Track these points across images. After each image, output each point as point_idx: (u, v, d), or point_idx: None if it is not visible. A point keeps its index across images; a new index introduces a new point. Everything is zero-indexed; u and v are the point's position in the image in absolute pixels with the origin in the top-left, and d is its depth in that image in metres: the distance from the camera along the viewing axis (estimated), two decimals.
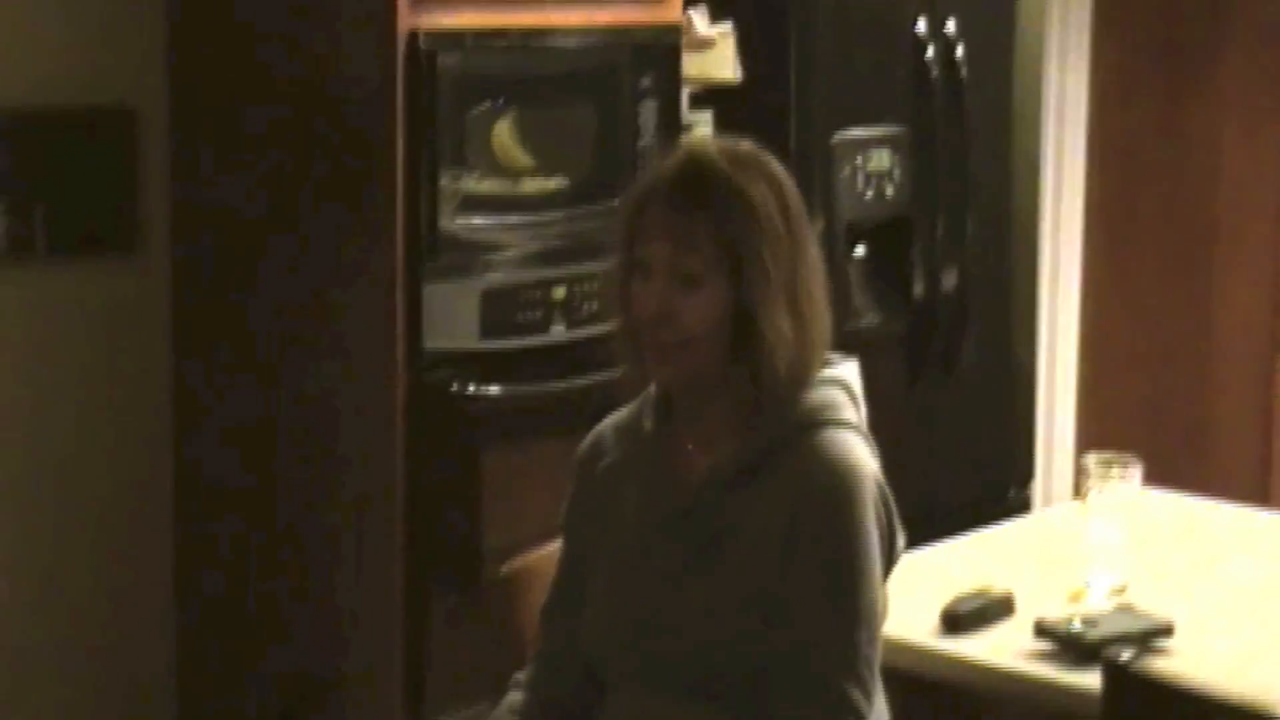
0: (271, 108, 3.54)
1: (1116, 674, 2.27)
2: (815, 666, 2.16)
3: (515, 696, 2.37)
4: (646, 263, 2.20)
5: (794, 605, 2.17)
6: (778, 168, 2.25)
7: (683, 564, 2.23)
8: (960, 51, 4.36)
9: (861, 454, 2.23)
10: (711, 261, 2.18)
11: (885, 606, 2.26)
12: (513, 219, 3.58)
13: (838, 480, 2.18)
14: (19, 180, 3.50)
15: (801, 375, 2.22)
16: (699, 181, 2.19)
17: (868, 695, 2.19)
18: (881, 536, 2.22)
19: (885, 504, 2.23)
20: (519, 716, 2.35)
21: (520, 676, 2.39)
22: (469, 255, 3.49)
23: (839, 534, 2.17)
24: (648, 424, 2.30)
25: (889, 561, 2.25)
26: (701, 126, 3.93)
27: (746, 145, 2.26)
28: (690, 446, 2.27)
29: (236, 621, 3.66)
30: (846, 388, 2.28)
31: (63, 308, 3.60)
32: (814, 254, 2.25)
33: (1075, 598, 2.77)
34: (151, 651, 3.73)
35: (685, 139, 2.42)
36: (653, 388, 2.31)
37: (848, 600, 2.17)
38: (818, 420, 2.22)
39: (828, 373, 2.28)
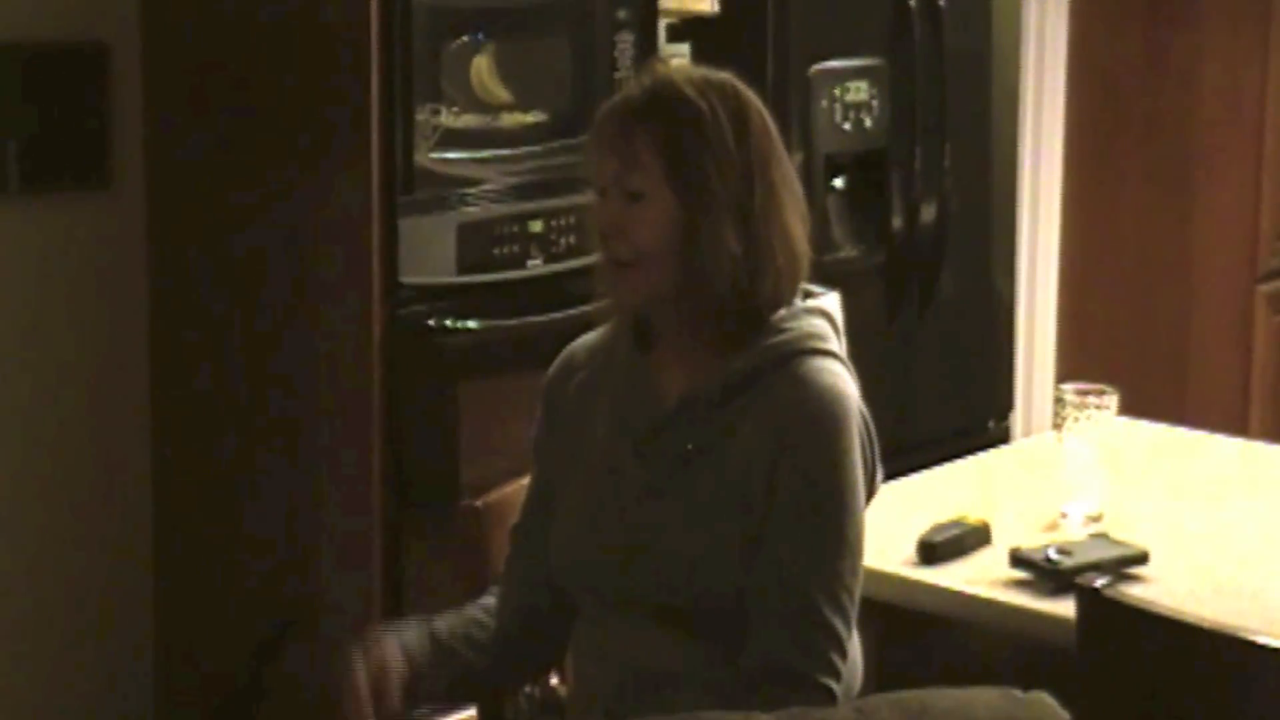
0: (246, 42, 3.52)
1: (1090, 599, 2.28)
2: (797, 593, 2.16)
3: (489, 600, 2.38)
4: (600, 181, 2.22)
5: (776, 532, 2.17)
6: (745, 92, 2.24)
7: (656, 480, 2.23)
8: None
9: (847, 384, 2.23)
10: (657, 177, 2.18)
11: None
12: (489, 153, 3.57)
13: (825, 408, 2.19)
14: None
15: (760, 297, 2.21)
16: (651, 100, 2.21)
17: (848, 624, 2.19)
18: (864, 467, 2.22)
19: (868, 435, 2.24)
20: (478, 625, 2.34)
21: (491, 595, 2.40)
22: (445, 189, 3.48)
23: (825, 462, 2.18)
24: (623, 346, 2.30)
25: (868, 493, 2.25)
26: (678, 59, 3.92)
27: (721, 74, 2.26)
28: (667, 367, 2.27)
29: (215, 553, 3.67)
30: (830, 318, 2.28)
31: (38, 244, 3.59)
32: (781, 178, 2.23)
33: (1051, 526, 2.78)
34: (129, 583, 3.73)
35: (654, 63, 2.43)
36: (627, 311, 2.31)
37: (832, 529, 2.18)
38: (805, 348, 2.22)
39: (812, 303, 2.28)
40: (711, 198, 2.18)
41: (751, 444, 2.19)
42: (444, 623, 2.33)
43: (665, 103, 2.20)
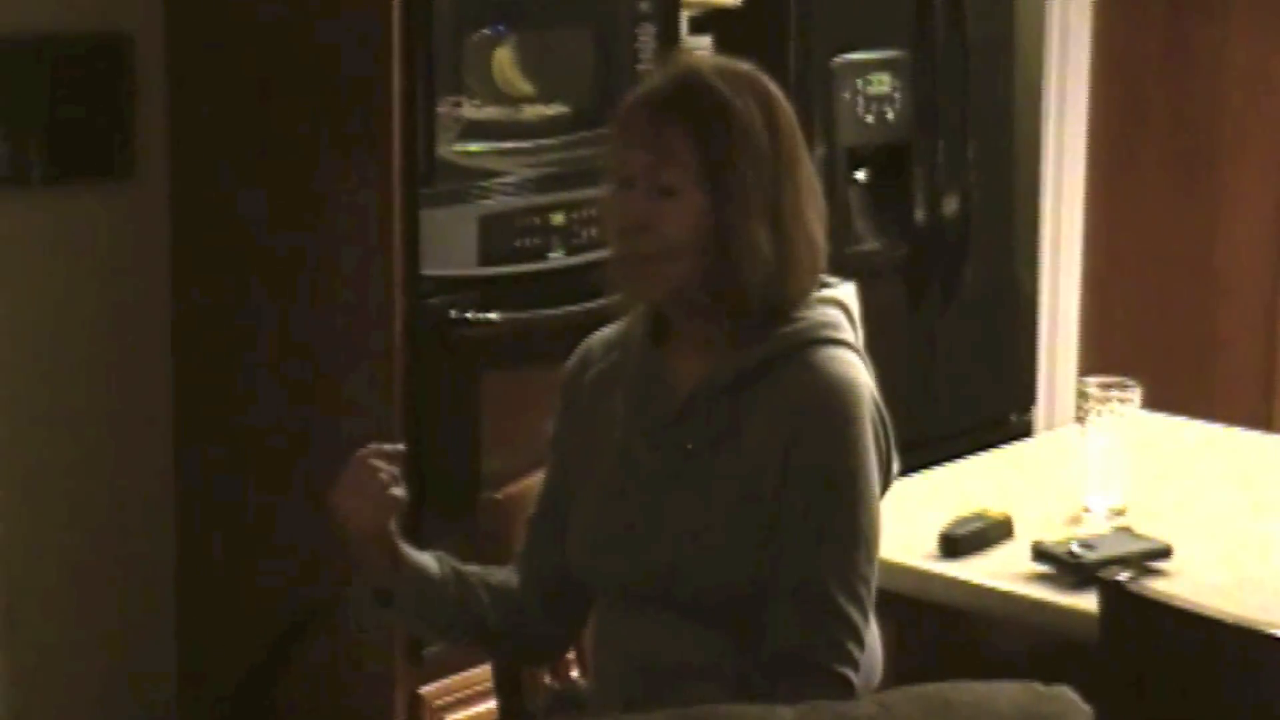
0: (268, 32, 3.52)
1: (1113, 593, 2.27)
2: (813, 584, 2.16)
3: (511, 578, 2.38)
4: (628, 173, 2.19)
5: (791, 522, 2.17)
6: (773, 88, 2.24)
7: (670, 472, 2.23)
8: None
9: (861, 373, 2.22)
10: (690, 173, 2.16)
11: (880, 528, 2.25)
12: (511, 145, 3.57)
13: (838, 398, 2.18)
14: (16, 108, 3.48)
15: (785, 295, 2.21)
16: (684, 93, 2.18)
17: (864, 614, 2.19)
18: (879, 456, 2.21)
19: (883, 424, 2.23)
20: (501, 583, 2.36)
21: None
22: (467, 181, 3.48)
23: (839, 452, 2.17)
24: (638, 337, 2.30)
25: (884, 483, 2.25)
26: (700, 51, 3.91)
27: (744, 65, 2.25)
28: (681, 359, 2.26)
29: (237, 544, 3.67)
30: (845, 308, 2.28)
31: (61, 235, 3.59)
32: (806, 176, 2.23)
33: (1074, 520, 2.77)
34: (152, 573, 3.74)
35: (679, 53, 2.43)
36: (644, 305, 2.31)
37: (847, 518, 2.17)
38: (818, 337, 2.21)
39: (826, 293, 2.27)
40: (746, 197, 2.17)
41: (764, 433, 2.19)
42: (471, 567, 2.36)
43: (699, 98, 2.17)
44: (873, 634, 2.24)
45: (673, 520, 2.22)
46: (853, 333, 2.27)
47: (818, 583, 2.16)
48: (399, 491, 2.25)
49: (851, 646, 2.17)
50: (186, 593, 3.76)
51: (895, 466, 2.27)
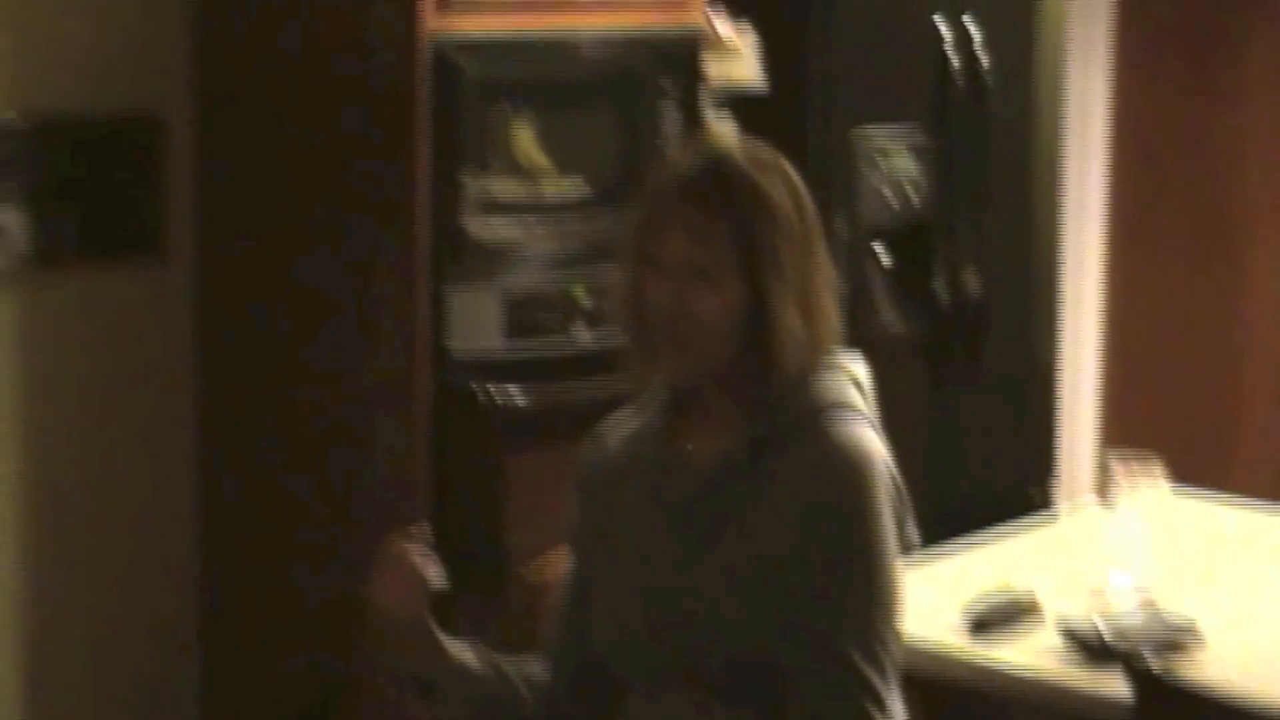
0: (296, 114, 3.56)
1: (1146, 683, 2.26)
2: (832, 648, 2.16)
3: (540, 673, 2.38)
4: (661, 257, 2.21)
5: (809, 590, 2.17)
6: (791, 169, 2.27)
7: (691, 550, 2.23)
8: (981, 52, 4.36)
9: (874, 443, 2.24)
10: (728, 259, 2.18)
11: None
12: (534, 221, 3.59)
13: (852, 465, 2.19)
14: (48, 188, 3.51)
15: (810, 371, 2.24)
16: (719, 179, 2.20)
17: (884, 677, 2.18)
18: (894, 524, 2.22)
19: (897, 490, 2.24)
20: (534, 678, 2.35)
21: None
22: (492, 258, 3.50)
23: (855, 518, 2.18)
24: (652, 419, 2.31)
25: (903, 549, 2.25)
26: (723, 128, 3.93)
27: (765, 148, 2.28)
28: (697, 437, 2.27)
29: (262, 623, 3.68)
30: (854, 379, 2.30)
31: (91, 314, 3.62)
32: (823, 255, 2.26)
33: (1098, 598, 2.77)
34: (176, 652, 3.75)
35: (703, 135, 2.43)
36: (654, 386, 2.32)
37: (862, 582, 2.18)
38: (828, 407, 2.23)
39: (837, 365, 2.29)
40: (782, 282, 2.19)
41: (781, 504, 2.20)
42: (507, 658, 2.36)
43: (735, 185, 2.19)
44: (894, 698, 2.24)
45: (697, 599, 2.22)
46: (865, 404, 2.29)
47: (838, 649, 2.16)
48: (436, 573, 2.25)
49: (873, 710, 2.16)
50: (211, 669, 3.77)
51: (911, 531, 2.28)
